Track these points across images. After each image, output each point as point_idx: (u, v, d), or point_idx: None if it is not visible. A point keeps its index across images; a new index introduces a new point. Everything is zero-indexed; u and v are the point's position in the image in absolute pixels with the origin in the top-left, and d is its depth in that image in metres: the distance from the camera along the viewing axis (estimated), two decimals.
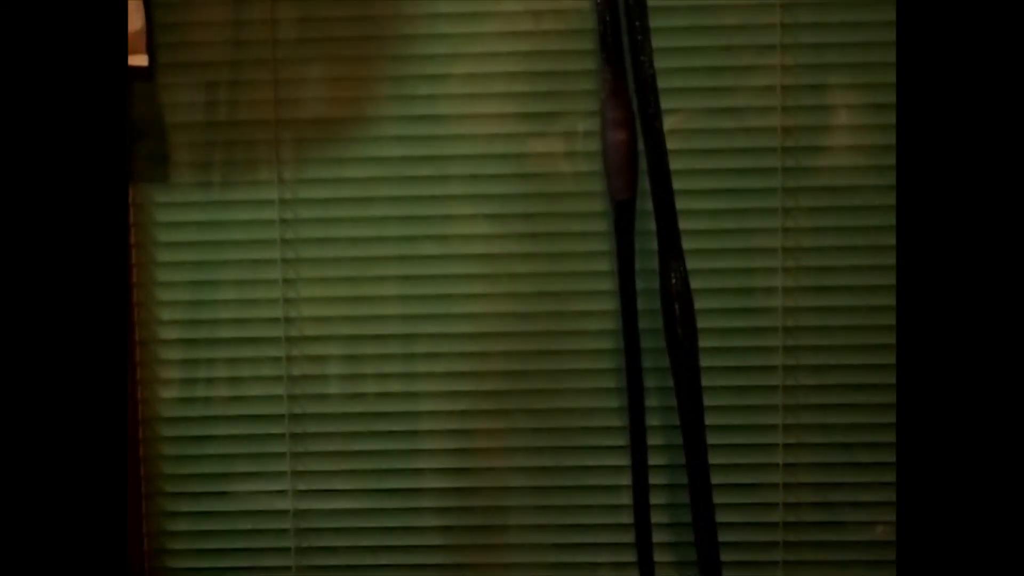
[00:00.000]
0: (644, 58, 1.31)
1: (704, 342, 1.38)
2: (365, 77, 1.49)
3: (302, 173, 1.50)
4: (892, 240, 1.45)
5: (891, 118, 1.46)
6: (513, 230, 1.49)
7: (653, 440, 1.45)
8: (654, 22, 1.35)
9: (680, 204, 1.36)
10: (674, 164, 1.36)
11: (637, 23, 1.32)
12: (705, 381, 1.37)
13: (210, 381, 1.51)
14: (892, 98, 1.45)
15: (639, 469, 1.42)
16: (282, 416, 1.51)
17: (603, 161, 1.35)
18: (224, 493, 1.52)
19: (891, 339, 1.46)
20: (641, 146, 1.33)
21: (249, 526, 1.52)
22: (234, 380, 1.52)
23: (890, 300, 1.46)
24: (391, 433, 1.52)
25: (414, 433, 1.52)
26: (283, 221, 1.49)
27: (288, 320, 1.50)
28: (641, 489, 1.42)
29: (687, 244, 1.37)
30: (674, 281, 1.29)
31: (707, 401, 1.38)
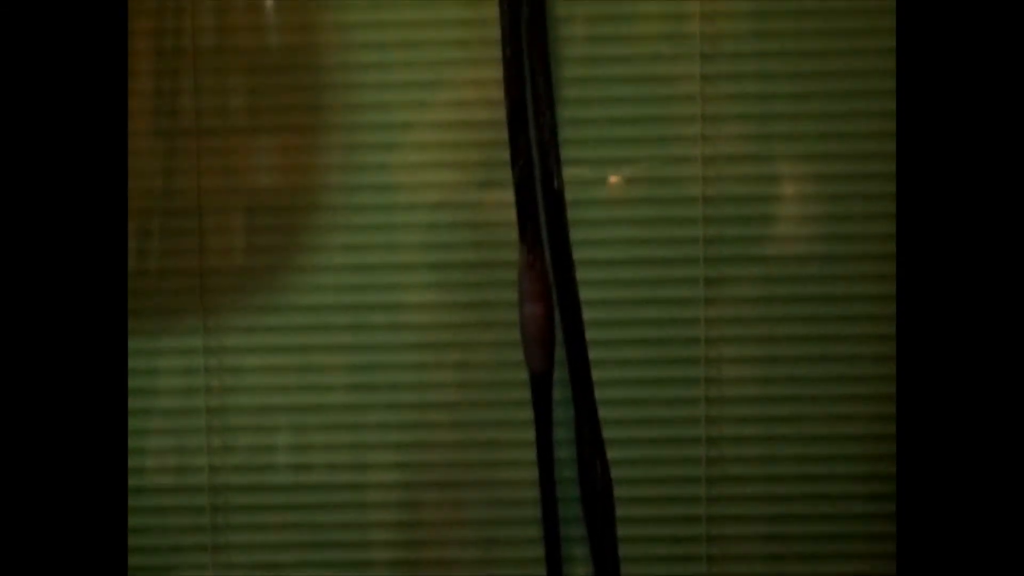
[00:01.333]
0: (561, 232, 1.33)
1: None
2: (290, 227, 1.49)
3: (227, 320, 1.50)
4: (822, 432, 1.48)
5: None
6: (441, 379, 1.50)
7: None
8: None
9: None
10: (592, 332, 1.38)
11: (553, 198, 1.33)
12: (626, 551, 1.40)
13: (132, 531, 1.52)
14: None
15: None
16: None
17: (520, 333, 1.35)
18: None
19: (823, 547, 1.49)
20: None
21: None
22: (159, 530, 1.52)
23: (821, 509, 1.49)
24: None
25: None
26: (207, 369, 1.50)
27: (212, 468, 1.51)
28: None
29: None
30: (597, 479, 1.32)
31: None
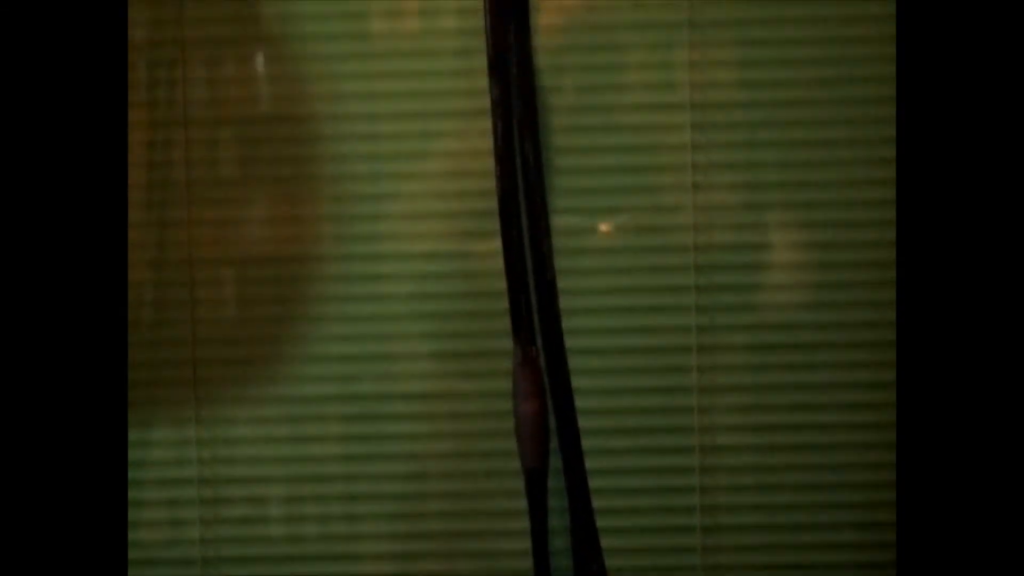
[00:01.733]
0: (554, 324, 1.32)
1: None
2: (283, 316, 1.50)
3: (221, 411, 1.49)
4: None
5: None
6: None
7: None
8: None
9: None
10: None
11: (546, 289, 1.33)
12: None
13: None
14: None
15: None
16: None
17: (515, 431, 1.35)
18: None
19: None
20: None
21: None
22: None
23: None
24: None
25: None
26: (201, 460, 1.49)
27: (206, 561, 1.50)
28: None
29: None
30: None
31: None
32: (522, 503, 1.40)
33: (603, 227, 1.48)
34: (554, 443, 1.40)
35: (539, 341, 1.36)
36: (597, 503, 1.41)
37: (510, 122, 1.34)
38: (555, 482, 1.41)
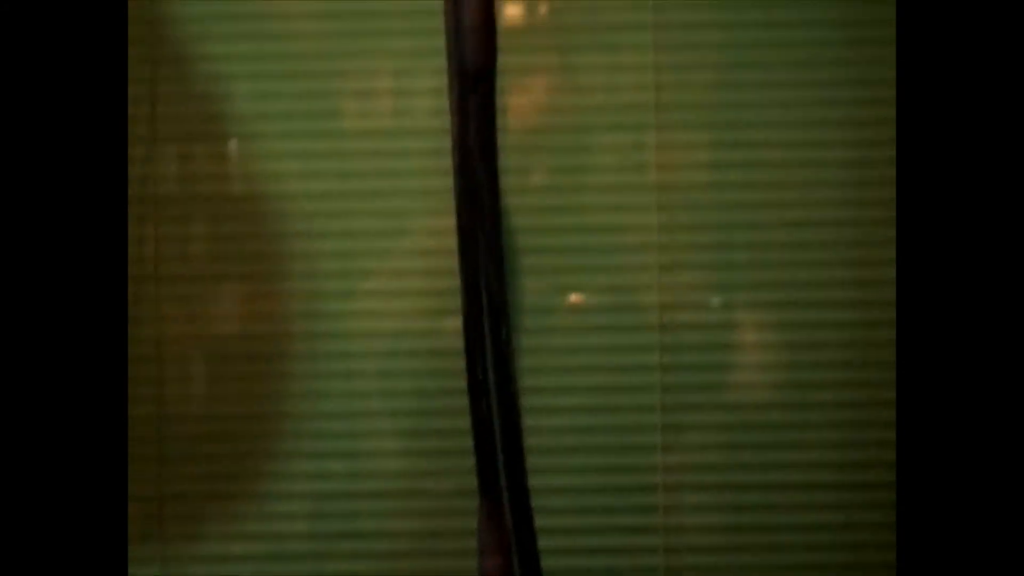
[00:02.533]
0: (520, 477, 1.30)
1: None
2: (252, 451, 1.49)
3: (186, 549, 1.48)
4: None
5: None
6: None
7: None
8: None
9: None
10: None
11: (513, 439, 1.30)
12: None
13: None
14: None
15: None
16: None
17: None
18: None
19: None
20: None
21: None
22: None
23: None
24: None
25: None
26: None
27: None
28: None
29: None
30: None
31: None
32: None
33: (570, 301, 1.47)
34: None
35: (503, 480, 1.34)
36: None
37: (478, 287, 1.30)
38: None
